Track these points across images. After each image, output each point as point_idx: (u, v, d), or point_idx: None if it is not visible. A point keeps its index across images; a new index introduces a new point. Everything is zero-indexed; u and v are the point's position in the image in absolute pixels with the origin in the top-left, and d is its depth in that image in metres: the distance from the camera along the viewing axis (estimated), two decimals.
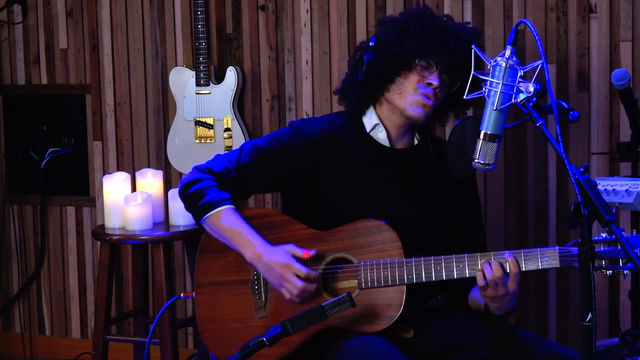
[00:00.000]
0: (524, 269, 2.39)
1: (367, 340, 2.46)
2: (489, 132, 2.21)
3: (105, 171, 4.20)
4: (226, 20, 3.96)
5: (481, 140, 2.22)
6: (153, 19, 4.08)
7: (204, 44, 3.83)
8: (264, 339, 2.20)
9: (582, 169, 2.06)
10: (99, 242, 3.83)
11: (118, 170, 4.16)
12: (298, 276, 2.50)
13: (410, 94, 2.58)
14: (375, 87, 2.64)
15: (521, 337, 2.53)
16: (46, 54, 4.29)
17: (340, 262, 2.56)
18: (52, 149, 4.29)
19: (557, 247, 2.36)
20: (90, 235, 4.24)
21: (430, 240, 2.63)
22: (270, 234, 2.60)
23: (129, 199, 3.60)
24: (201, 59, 3.85)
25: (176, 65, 4.00)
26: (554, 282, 3.57)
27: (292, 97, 3.88)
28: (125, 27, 4.14)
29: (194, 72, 3.89)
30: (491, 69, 2.21)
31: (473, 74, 2.25)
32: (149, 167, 4.10)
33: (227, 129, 3.89)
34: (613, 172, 3.43)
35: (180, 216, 3.61)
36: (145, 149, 4.15)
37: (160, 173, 3.82)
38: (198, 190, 2.61)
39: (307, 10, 3.82)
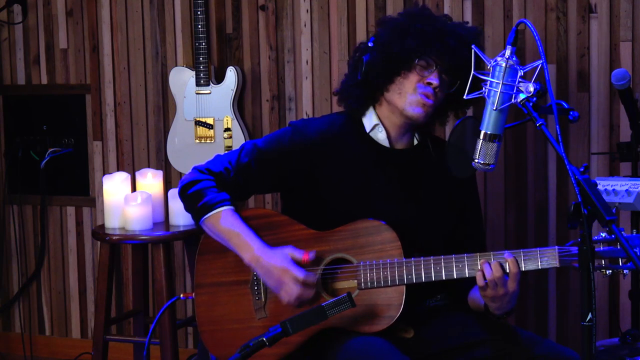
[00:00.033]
0: (523, 269, 2.39)
1: (367, 340, 2.46)
2: (489, 132, 2.21)
3: (105, 171, 4.20)
4: (226, 20, 3.96)
5: (481, 140, 2.22)
6: (153, 19, 4.08)
7: (204, 44, 3.83)
8: (264, 338, 2.20)
9: (582, 169, 2.06)
10: (99, 242, 3.83)
11: (118, 170, 4.16)
12: (296, 280, 2.50)
13: (410, 94, 2.58)
14: (375, 87, 2.64)
15: (521, 337, 2.53)
16: (46, 54, 4.29)
17: (340, 263, 2.56)
18: (52, 149, 4.29)
19: (556, 247, 2.36)
20: (90, 235, 4.24)
21: (430, 241, 2.63)
22: (270, 235, 2.59)
23: (129, 199, 3.60)
24: (201, 59, 3.85)
25: (176, 65, 4.00)
26: (554, 282, 3.57)
27: (292, 97, 3.88)
28: (125, 27, 4.14)
29: (194, 72, 3.89)
30: (491, 69, 2.21)
31: (473, 74, 2.25)
32: (149, 167, 4.10)
33: (227, 129, 3.89)
34: (613, 172, 3.43)
35: (180, 216, 3.61)
36: (145, 149, 4.15)
37: (160, 173, 3.83)
38: (197, 191, 2.61)
39: (307, 10, 3.82)
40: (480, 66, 2.30)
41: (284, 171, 2.65)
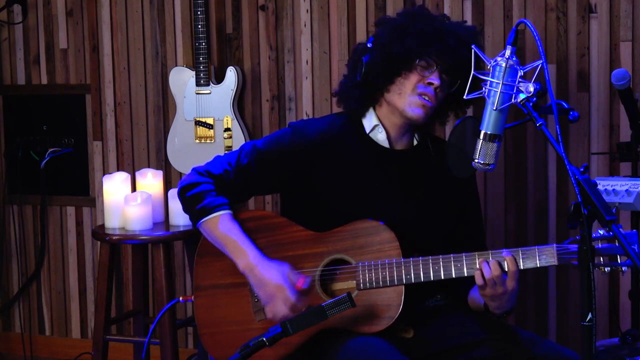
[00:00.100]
0: (522, 267, 2.39)
1: (367, 340, 2.45)
2: (489, 132, 2.21)
3: (105, 171, 4.20)
4: (226, 20, 3.96)
5: (481, 140, 2.22)
6: (153, 19, 4.08)
7: (204, 44, 3.83)
8: (264, 339, 2.19)
9: (582, 169, 2.06)
10: (99, 242, 3.83)
11: (118, 170, 4.16)
12: (287, 301, 2.49)
13: (410, 94, 2.58)
14: (375, 88, 2.63)
15: (521, 337, 2.53)
16: (46, 54, 4.29)
17: (339, 263, 2.55)
18: (52, 149, 4.29)
19: (554, 245, 2.35)
20: (90, 235, 4.24)
21: (430, 241, 2.63)
22: (268, 236, 2.59)
23: (129, 199, 3.60)
24: (201, 59, 3.85)
25: (176, 65, 4.00)
26: (553, 282, 3.57)
27: (292, 97, 3.88)
28: (125, 27, 4.14)
29: (194, 72, 3.89)
30: (491, 69, 2.21)
31: (473, 74, 2.25)
32: (149, 167, 4.10)
33: (227, 129, 3.88)
34: (613, 172, 3.43)
35: (180, 216, 3.61)
36: (145, 149, 4.15)
37: (160, 173, 3.82)
38: (196, 194, 2.60)
39: (307, 10, 3.82)
40: (480, 66, 2.30)
41: (283, 172, 2.65)
